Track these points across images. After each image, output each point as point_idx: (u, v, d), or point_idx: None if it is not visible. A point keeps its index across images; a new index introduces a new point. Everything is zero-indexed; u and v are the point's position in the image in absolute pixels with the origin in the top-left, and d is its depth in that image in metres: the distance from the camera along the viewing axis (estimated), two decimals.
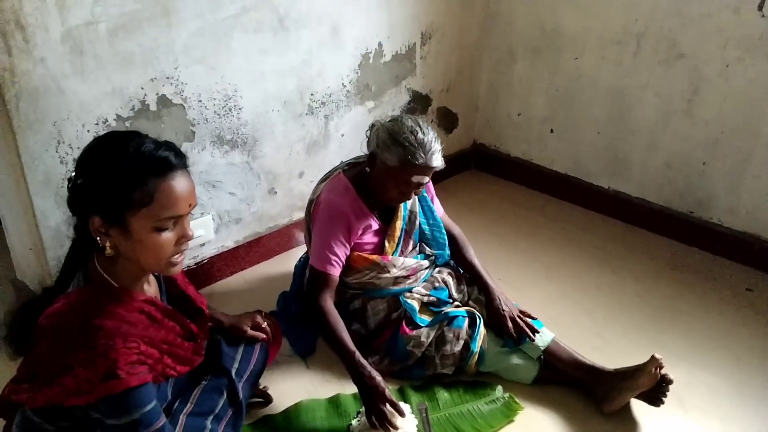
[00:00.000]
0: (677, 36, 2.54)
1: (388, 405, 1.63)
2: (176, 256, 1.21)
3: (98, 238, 1.14)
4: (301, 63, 2.36)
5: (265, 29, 2.18)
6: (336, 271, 1.89)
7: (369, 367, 1.69)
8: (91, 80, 1.81)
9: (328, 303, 1.84)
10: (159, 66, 1.94)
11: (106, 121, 1.88)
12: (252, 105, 2.26)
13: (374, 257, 1.95)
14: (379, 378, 1.66)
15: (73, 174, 1.16)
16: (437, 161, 1.80)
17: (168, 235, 1.16)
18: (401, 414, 1.64)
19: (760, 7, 2.31)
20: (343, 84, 2.56)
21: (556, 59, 2.97)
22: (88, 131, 1.85)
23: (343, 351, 1.73)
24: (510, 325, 1.93)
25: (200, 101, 2.09)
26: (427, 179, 1.83)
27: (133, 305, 1.21)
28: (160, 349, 1.25)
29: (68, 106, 1.79)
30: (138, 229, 1.13)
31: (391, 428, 1.62)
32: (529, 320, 1.96)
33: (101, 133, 1.86)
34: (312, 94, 2.46)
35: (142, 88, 1.93)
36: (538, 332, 1.92)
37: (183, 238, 1.19)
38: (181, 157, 1.17)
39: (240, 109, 2.22)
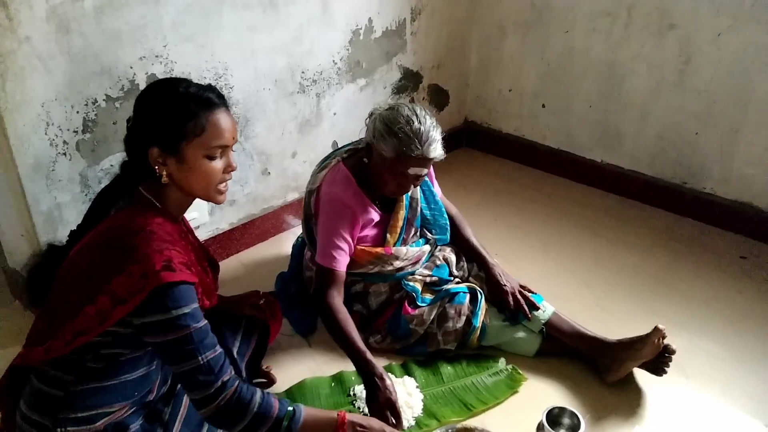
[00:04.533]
0: (668, 5, 2.53)
1: (389, 412, 1.57)
2: (222, 185, 1.34)
3: (156, 168, 1.27)
4: (291, 40, 2.32)
5: (254, 5, 2.14)
6: (342, 267, 1.82)
7: (380, 369, 1.62)
8: (79, 59, 1.76)
9: (336, 300, 1.76)
10: (148, 44, 1.90)
11: (96, 101, 1.84)
12: (243, 84, 2.22)
13: (377, 250, 1.90)
14: (389, 381, 1.60)
15: (132, 116, 1.31)
16: (435, 152, 1.73)
17: (217, 163, 1.30)
18: (399, 426, 1.58)
19: None
20: (333, 61, 2.52)
21: (547, 33, 2.95)
22: (78, 112, 1.81)
23: (354, 351, 1.66)
24: (511, 300, 1.92)
25: (190, 80, 2.04)
26: (425, 171, 1.76)
27: (175, 227, 1.33)
28: (196, 269, 1.32)
29: (56, 87, 1.74)
30: (191, 157, 1.27)
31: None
32: (529, 295, 1.95)
33: (91, 114, 1.84)
34: (303, 72, 2.42)
35: (131, 67, 1.88)
36: (538, 308, 1.92)
37: (229, 167, 1.33)
38: (222, 98, 1.32)
39: (231, 87, 2.18)
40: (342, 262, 1.82)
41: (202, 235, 2.32)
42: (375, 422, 1.44)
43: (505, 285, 1.95)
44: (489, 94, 3.30)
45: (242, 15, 2.12)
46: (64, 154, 1.83)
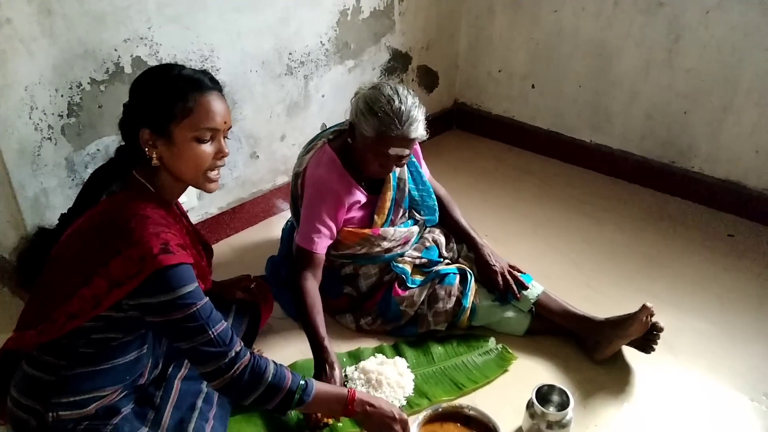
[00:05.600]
0: None
1: None
2: (214, 173, 1.33)
3: (146, 149, 1.26)
4: (277, 21, 2.29)
5: None
6: (321, 250, 1.82)
7: (333, 357, 1.62)
8: (62, 42, 1.73)
9: (309, 282, 1.76)
10: (132, 26, 1.87)
11: (80, 85, 1.81)
12: (229, 66, 2.20)
13: (365, 232, 1.90)
14: (337, 372, 1.60)
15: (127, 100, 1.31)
16: (416, 132, 1.71)
17: (206, 147, 1.28)
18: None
19: None
20: (321, 42, 2.50)
21: (536, 12, 2.94)
22: (62, 96, 1.79)
23: (313, 334, 1.67)
24: (500, 280, 1.93)
25: (176, 62, 2.02)
26: (407, 152, 1.75)
27: (169, 211, 1.33)
28: (192, 252, 1.32)
29: (39, 70, 1.71)
30: (180, 139, 1.26)
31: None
32: (518, 275, 1.96)
33: (76, 97, 1.82)
34: (290, 54, 2.39)
35: (116, 50, 1.86)
36: (527, 288, 1.93)
37: (220, 153, 1.31)
38: (216, 82, 1.32)
39: (217, 70, 2.16)
40: (321, 245, 1.82)
41: (191, 219, 2.30)
42: (383, 402, 1.46)
43: (494, 265, 1.96)
44: (478, 75, 3.29)
45: None
46: (50, 138, 1.80)
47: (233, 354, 1.26)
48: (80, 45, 1.78)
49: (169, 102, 1.24)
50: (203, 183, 1.32)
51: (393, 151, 1.72)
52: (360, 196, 1.89)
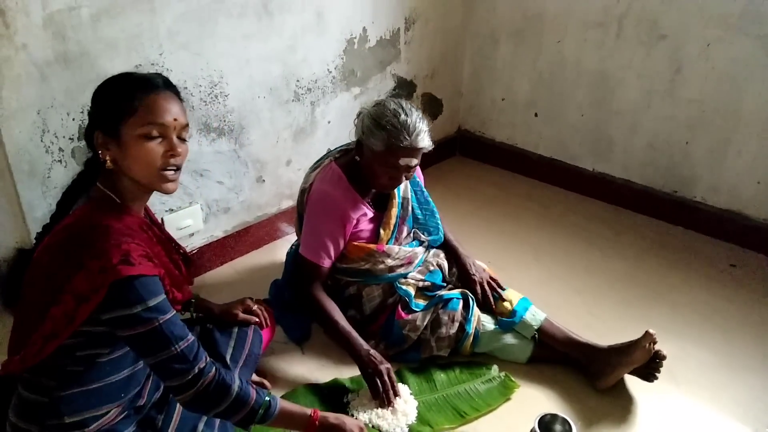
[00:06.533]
0: (658, 16, 2.57)
1: (387, 378, 1.71)
2: (169, 172, 1.28)
3: (100, 152, 1.25)
4: (286, 48, 2.33)
5: (249, 13, 2.15)
6: (328, 264, 1.90)
7: (366, 345, 1.78)
8: (75, 67, 1.77)
9: (323, 294, 1.89)
10: (143, 52, 1.91)
11: None
12: (238, 92, 2.23)
13: (370, 247, 1.93)
14: (374, 352, 1.76)
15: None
16: (423, 141, 1.77)
17: (154, 145, 1.25)
18: (396, 393, 1.71)
19: None
20: (328, 70, 2.54)
21: (539, 43, 2.99)
22: (73, 120, 1.82)
23: (341, 334, 1.81)
24: (479, 289, 2.00)
25: (186, 88, 2.05)
26: (415, 161, 1.80)
27: (134, 219, 1.31)
28: (161, 261, 1.32)
29: (52, 94, 1.75)
30: (128, 137, 1.23)
31: (388, 400, 1.70)
32: (496, 287, 2.03)
33: (86, 121, 1.83)
34: (298, 81, 2.44)
35: None
36: (504, 299, 1.99)
37: (170, 151, 1.27)
38: (170, 84, 1.31)
39: (226, 95, 2.19)
40: (328, 258, 1.90)
41: (196, 242, 2.33)
42: (349, 421, 1.47)
43: (474, 275, 2.02)
44: (482, 102, 3.33)
45: (237, 23, 2.13)
46: (60, 161, 1.83)
47: (197, 370, 1.25)
48: (92, 70, 1.81)
49: (116, 101, 1.23)
50: (157, 183, 1.28)
51: (402, 161, 1.77)
52: (366, 210, 1.93)
